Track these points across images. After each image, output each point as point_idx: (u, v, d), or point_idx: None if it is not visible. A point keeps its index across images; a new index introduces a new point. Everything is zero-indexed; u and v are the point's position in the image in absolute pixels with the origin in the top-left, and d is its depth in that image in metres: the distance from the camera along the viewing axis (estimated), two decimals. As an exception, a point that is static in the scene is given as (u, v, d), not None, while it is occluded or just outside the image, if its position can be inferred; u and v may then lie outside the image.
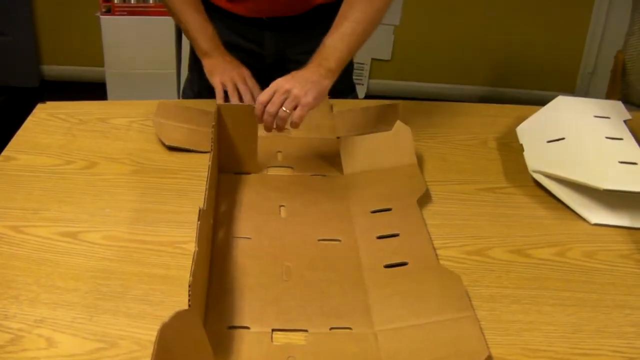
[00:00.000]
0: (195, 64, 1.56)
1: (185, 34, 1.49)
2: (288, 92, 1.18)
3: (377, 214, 1.17)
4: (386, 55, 3.69)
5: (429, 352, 0.89)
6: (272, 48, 1.52)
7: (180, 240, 1.09)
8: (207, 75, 1.42)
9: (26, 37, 3.60)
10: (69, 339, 0.89)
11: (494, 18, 3.60)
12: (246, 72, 1.42)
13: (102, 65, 3.29)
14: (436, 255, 1.08)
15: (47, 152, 1.31)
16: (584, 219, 1.21)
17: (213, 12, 1.47)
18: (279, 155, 1.32)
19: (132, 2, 3.12)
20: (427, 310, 0.96)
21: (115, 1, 3.12)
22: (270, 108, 1.18)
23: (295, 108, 1.18)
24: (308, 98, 1.18)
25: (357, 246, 1.10)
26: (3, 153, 1.29)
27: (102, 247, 1.06)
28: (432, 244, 1.10)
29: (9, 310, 0.93)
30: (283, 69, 1.48)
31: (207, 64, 1.43)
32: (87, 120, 1.43)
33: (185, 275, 1.00)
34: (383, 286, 1.01)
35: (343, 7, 1.30)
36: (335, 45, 1.26)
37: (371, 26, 1.31)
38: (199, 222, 0.92)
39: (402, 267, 1.04)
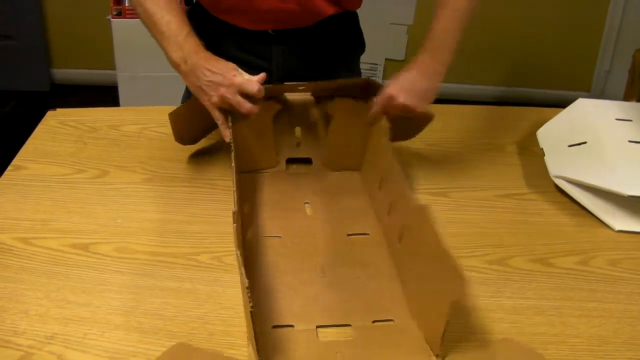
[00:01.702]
0: None
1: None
2: (402, 106, 1.18)
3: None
4: (400, 56, 3.66)
5: None
6: (280, 63, 1.44)
7: (192, 251, 1.06)
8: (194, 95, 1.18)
9: (36, 40, 3.59)
10: (80, 356, 0.86)
11: (508, 17, 3.56)
12: (232, 75, 1.12)
13: (114, 68, 3.28)
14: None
15: (57, 161, 1.29)
16: (607, 226, 1.18)
17: (217, 27, 1.42)
18: (295, 150, 1.30)
19: (143, 4, 3.11)
20: None
21: (126, 4, 3.11)
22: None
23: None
24: (421, 108, 1.20)
25: (385, 239, 1.10)
26: (13, 162, 1.27)
27: (113, 259, 1.04)
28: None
29: (19, 326, 0.90)
30: None
31: (185, 81, 1.18)
32: (97, 127, 1.41)
33: (198, 288, 0.99)
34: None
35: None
36: (445, 40, 1.24)
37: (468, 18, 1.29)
38: (234, 225, 0.91)
39: None
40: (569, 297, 1.02)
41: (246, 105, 1.12)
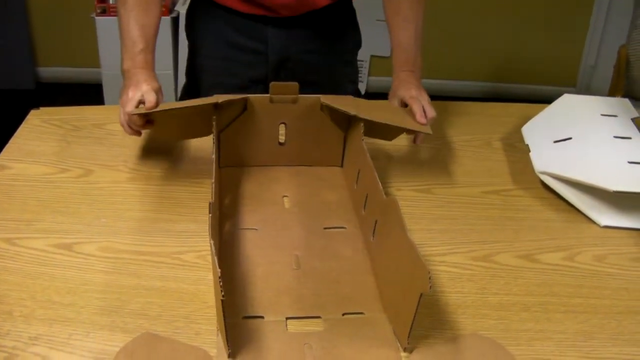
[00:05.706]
0: (192, 69, 1.52)
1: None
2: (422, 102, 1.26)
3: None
4: (386, 52, 3.66)
5: None
6: (276, 46, 1.45)
7: (177, 250, 1.06)
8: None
9: (21, 39, 3.57)
10: (65, 357, 0.86)
11: (494, 13, 3.57)
12: (150, 89, 1.18)
13: (98, 66, 3.26)
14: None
15: (41, 160, 1.28)
16: (593, 222, 1.18)
17: (214, 11, 1.43)
18: (279, 146, 1.29)
19: (128, 2, 3.09)
20: None
21: (111, 2, 3.09)
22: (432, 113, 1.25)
23: None
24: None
25: (361, 233, 1.11)
26: (-4, 162, 1.26)
27: (98, 259, 1.03)
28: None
29: (2, 328, 0.90)
30: (286, 68, 1.44)
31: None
32: (81, 126, 1.40)
33: (183, 287, 0.99)
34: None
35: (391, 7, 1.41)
36: (411, 48, 1.40)
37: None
38: (210, 215, 0.90)
39: None
40: (555, 292, 1.02)
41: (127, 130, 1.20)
